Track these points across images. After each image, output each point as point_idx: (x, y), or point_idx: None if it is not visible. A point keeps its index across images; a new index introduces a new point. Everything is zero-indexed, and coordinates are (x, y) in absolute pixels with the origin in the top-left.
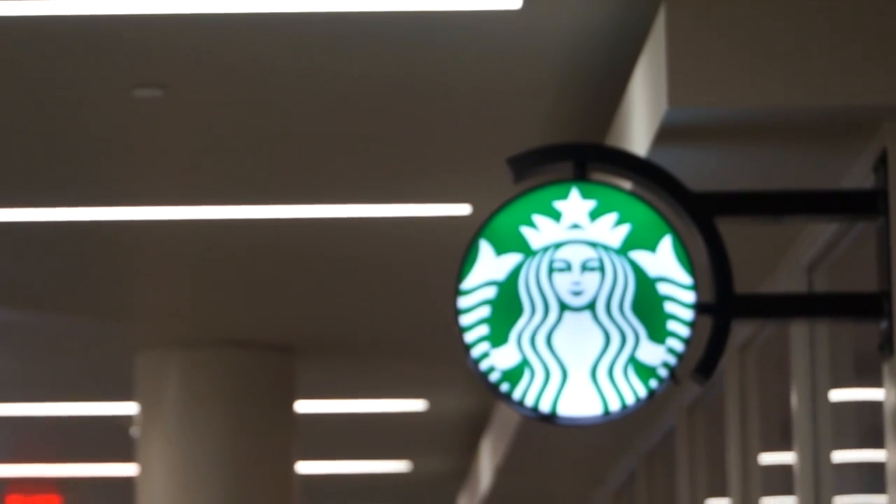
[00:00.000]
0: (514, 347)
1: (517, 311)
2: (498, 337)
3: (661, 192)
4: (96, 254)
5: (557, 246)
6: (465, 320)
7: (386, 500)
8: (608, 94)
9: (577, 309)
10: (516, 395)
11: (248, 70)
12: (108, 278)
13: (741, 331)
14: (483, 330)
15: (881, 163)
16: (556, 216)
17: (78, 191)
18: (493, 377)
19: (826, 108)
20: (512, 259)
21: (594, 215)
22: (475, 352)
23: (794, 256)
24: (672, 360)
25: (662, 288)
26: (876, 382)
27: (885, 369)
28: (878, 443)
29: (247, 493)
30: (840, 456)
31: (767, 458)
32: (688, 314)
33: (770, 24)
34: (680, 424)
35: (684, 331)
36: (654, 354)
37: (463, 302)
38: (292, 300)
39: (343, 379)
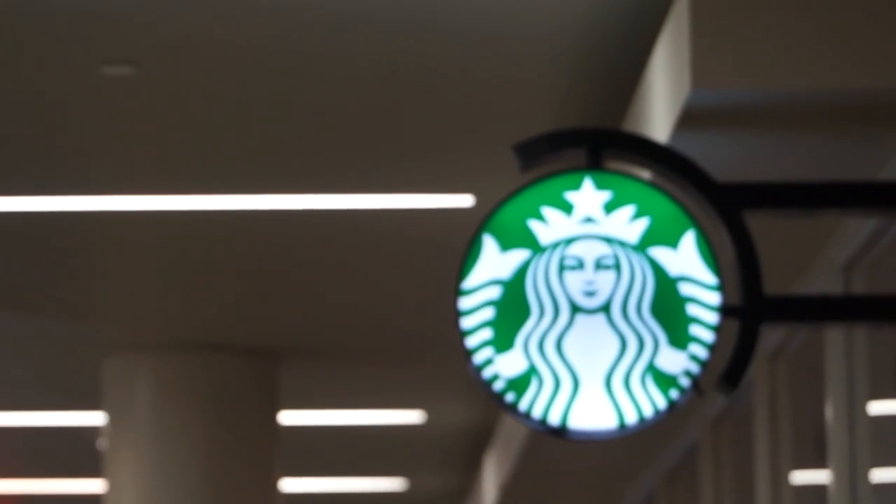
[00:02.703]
0: (520, 353)
1: (524, 313)
2: (503, 342)
3: (683, 182)
4: (60, 248)
5: (569, 241)
6: (466, 323)
7: None
8: (625, 75)
9: (590, 311)
10: (523, 405)
11: (228, 48)
12: (73, 275)
13: (771, 336)
14: (486, 334)
15: None
16: (567, 209)
17: (38, 178)
18: (498, 386)
19: (866, 91)
20: (518, 256)
21: (609, 208)
22: (478, 358)
23: (829, 254)
24: (695, 368)
25: (684, 288)
26: None
27: None
28: None
29: None
30: (880, 475)
31: (800, 477)
32: (712, 317)
33: None
34: (703, 439)
35: (708, 336)
36: (676, 362)
37: (464, 303)
38: (276, 300)
39: (332, 387)
